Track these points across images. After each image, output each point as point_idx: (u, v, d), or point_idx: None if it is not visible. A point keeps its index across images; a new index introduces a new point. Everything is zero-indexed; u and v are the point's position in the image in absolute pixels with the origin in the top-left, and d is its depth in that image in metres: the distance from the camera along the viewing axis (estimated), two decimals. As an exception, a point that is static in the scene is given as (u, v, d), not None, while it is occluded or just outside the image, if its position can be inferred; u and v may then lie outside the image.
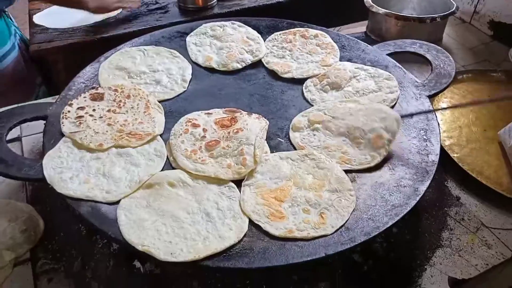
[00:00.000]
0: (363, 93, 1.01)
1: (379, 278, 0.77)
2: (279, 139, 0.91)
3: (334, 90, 1.03)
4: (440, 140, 0.88)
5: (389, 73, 1.05)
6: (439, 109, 1.09)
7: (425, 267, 0.80)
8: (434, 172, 0.79)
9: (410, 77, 1.05)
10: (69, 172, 0.79)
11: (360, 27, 1.63)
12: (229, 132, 0.89)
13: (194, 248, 0.66)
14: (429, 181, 0.77)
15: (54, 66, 1.43)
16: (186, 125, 0.91)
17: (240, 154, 0.83)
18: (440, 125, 1.07)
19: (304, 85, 1.06)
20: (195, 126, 0.90)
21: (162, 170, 0.82)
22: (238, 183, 0.79)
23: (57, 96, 0.98)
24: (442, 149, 0.99)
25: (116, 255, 0.79)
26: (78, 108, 0.94)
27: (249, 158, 0.82)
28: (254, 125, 0.91)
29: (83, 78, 1.05)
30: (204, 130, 0.90)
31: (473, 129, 1.09)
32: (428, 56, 1.09)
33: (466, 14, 1.66)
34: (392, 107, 0.97)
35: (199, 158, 0.83)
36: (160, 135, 0.91)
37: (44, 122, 0.91)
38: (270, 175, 0.80)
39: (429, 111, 0.93)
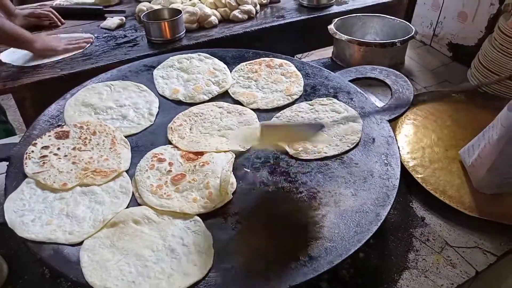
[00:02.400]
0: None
1: (347, 305, 0.78)
2: (245, 169, 0.92)
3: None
4: (401, 163, 0.90)
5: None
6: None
7: (393, 290, 0.81)
8: (394, 196, 0.81)
9: (371, 102, 1.08)
10: (31, 215, 0.78)
11: (327, 52, 1.68)
12: (195, 166, 0.90)
13: (157, 287, 0.65)
14: (389, 206, 0.79)
15: (21, 104, 1.42)
16: (152, 160, 0.91)
17: (206, 188, 0.84)
18: (404, 147, 1.12)
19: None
20: (161, 160, 0.91)
21: (127, 207, 0.82)
22: (204, 216, 0.80)
23: (21, 135, 0.97)
24: (406, 170, 1.03)
25: (81, 297, 0.78)
26: (42, 148, 0.93)
27: (215, 191, 0.83)
28: (221, 158, 0.92)
29: (48, 116, 1.04)
30: (170, 164, 0.91)
31: (435, 150, 1.13)
32: (387, 81, 1.13)
33: (426, 37, 1.73)
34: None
35: (165, 193, 0.83)
36: (126, 171, 0.91)
37: (7, 163, 0.90)
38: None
39: (389, 136, 0.96)
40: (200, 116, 1.07)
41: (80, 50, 1.65)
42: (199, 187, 0.85)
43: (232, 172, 0.89)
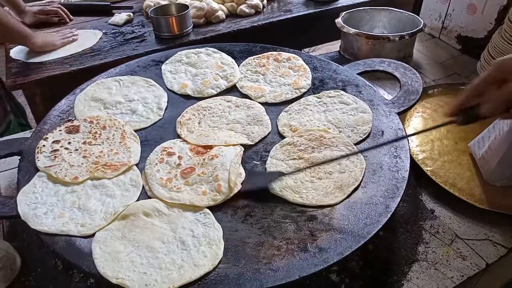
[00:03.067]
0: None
1: (357, 297, 0.78)
2: (255, 161, 0.93)
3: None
4: (410, 156, 0.90)
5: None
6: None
7: (402, 282, 0.81)
8: (404, 188, 0.80)
9: (380, 95, 1.08)
10: (43, 207, 0.79)
11: (335, 46, 1.67)
12: (204, 159, 0.90)
13: (168, 278, 0.66)
14: (399, 198, 0.79)
15: (31, 100, 1.43)
16: (161, 154, 0.92)
17: (215, 180, 0.84)
18: (413, 140, 1.11)
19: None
20: (170, 154, 0.92)
21: (138, 200, 0.83)
22: (214, 209, 0.80)
23: (32, 131, 0.99)
24: (415, 163, 1.02)
25: (93, 288, 0.79)
26: (53, 142, 0.94)
27: (224, 184, 0.83)
28: (229, 151, 0.92)
29: (58, 111, 1.05)
30: (180, 157, 0.91)
31: (445, 142, 1.12)
32: (396, 74, 1.13)
33: (435, 30, 1.71)
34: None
35: (175, 186, 0.84)
36: (136, 165, 0.91)
37: (19, 157, 0.91)
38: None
39: (399, 129, 0.96)
40: (209, 110, 1.07)
41: (74, 42, 1.68)
42: (208, 180, 0.85)
43: (240, 165, 0.90)
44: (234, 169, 0.86)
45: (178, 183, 0.85)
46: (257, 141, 0.97)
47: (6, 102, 1.55)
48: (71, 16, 1.97)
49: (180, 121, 1.03)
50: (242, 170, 0.89)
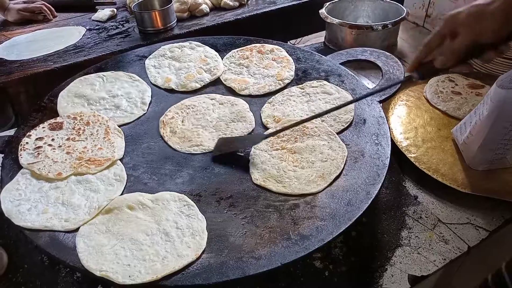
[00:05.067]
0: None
1: (340, 282, 0.79)
2: (238, 153, 0.93)
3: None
4: (393, 143, 0.91)
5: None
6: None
7: (386, 267, 0.82)
8: (385, 175, 0.82)
9: (362, 84, 1.09)
10: (27, 204, 0.79)
11: (320, 37, 1.68)
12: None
13: (152, 269, 0.67)
14: (380, 184, 0.80)
15: (16, 98, 1.42)
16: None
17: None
18: (397, 128, 1.12)
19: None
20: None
21: (121, 194, 0.83)
22: (198, 201, 0.81)
23: (15, 128, 0.98)
24: (399, 150, 1.04)
25: (80, 282, 0.79)
26: (36, 139, 0.94)
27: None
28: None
29: (42, 108, 1.05)
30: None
31: (428, 129, 1.13)
32: (378, 62, 1.13)
33: (419, 18, 1.73)
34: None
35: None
36: (120, 159, 0.92)
37: (2, 155, 0.91)
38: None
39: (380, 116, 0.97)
40: (192, 108, 1.06)
41: (57, 39, 1.70)
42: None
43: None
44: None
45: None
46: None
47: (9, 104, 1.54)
48: (55, 13, 1.95)
49: (163, 121, 1.02)
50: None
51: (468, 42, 0.74)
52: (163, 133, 0.98)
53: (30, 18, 1.89)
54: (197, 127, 1.00)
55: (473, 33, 0.73)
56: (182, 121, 1.02)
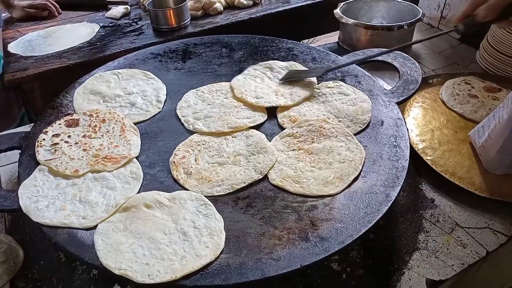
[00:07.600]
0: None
1: (358, 286, 0.78)
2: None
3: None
4: (410, 145, 0.90)
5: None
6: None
7: (403, 270, 0.81)
8: (404, 177, 0.81)
9: (379, 85, 1.08)
10: (45, 200, 0.79)
11: (334, 37, 1.67)
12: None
13: (171, 268, 0.66)
14: (399, 187, 0.79)
15: (30, 94, 1.43)
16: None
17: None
18: (413, 130, 1.11)
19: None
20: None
21: (138, 192, 0.83)
22: (214, 201, 0.80)
23: (31, 125, 0.98)
24: (415, 153, 1.03)
25: (96, 280, 0.79)
26: (53, 136, 0.94)
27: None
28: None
29: (57, 104, 1.05)
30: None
31: (445, 132, 1.12)
32: (395, 63, 1.12)
33: (434, 20, 1.71)
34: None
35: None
36: (136, 157, 0.91)
37: (19, 151, 0.91)
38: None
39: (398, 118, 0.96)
40: (203, 144, 0.95)
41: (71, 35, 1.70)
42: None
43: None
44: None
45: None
46: (265, 172, 0.87)
47: (17, 98, 1.55)
48: (60, 10, 1.95)
49: (174, 162, 0.90)
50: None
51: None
52: (177, 175, 0.87)
53: (35, 15, 1.90)
54: (213, 165, 0.90)
55: None
56: (196, 160, 0.91)
